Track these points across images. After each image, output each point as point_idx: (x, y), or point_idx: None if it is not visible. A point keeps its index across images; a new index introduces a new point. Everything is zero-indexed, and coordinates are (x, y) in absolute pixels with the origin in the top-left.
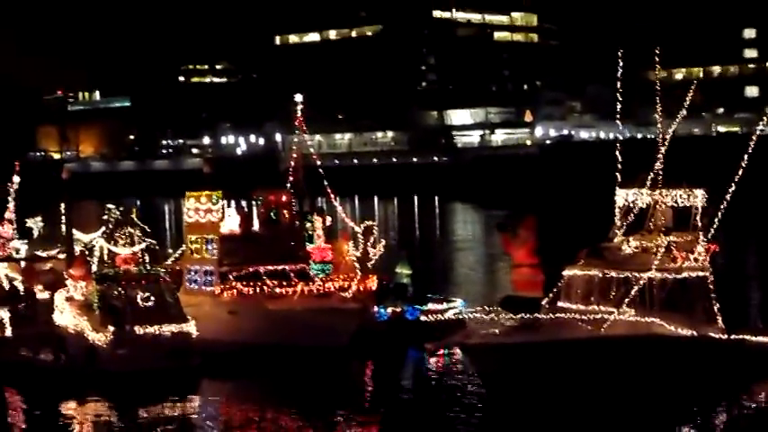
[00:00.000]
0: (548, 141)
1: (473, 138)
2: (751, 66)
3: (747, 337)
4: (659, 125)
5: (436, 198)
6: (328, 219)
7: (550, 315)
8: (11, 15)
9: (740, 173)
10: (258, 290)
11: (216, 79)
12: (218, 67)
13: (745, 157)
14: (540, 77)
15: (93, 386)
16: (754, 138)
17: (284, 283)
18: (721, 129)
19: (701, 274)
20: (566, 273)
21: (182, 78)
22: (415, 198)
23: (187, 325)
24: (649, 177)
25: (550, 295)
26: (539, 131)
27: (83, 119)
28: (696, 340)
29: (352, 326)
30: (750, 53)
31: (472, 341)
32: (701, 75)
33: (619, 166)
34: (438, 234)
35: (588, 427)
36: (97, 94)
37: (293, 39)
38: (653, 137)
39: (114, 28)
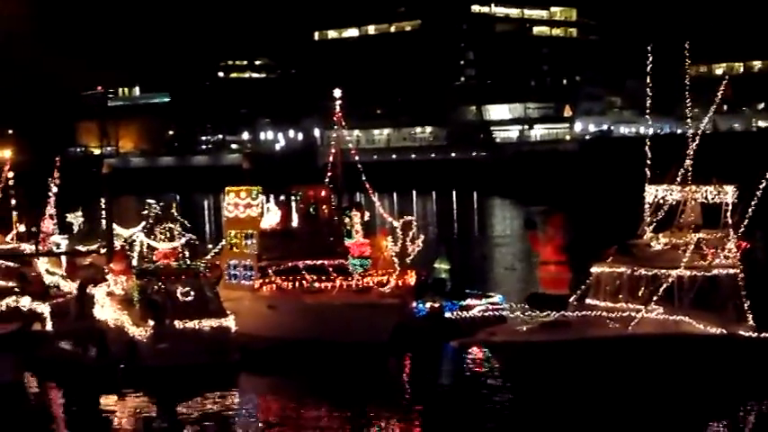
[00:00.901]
0: (587, 137)
1: (512, 133)
2: None
3: None
4: (689, 121)
5: (475, 193)
6: (367, 214)
7: (577, 313)
8: (51, 14)
9: None
10: (297, 285)
11: (255, 75)
12: (257, 62)
13: None
14: (579, 72)
15: (132, 381)
16: None
17: (323, 278)
18: (762, 124)
19: (731, 271)
20: (594, 270)
21: (221, 74)
22: (454, 193)
23: (226, 320)
24: (679, 173)
25: (578, 292)
26: (578, 127)
27: (122, 115)
28: (725, 338)
29: (391, 321)
30: None
31: (497, 339)
32: (742, 69)
33: (648, 162)
34: (477, 229)
35: (615, 427)
36: (137, 90)
37: (332, 34)
38: (693, 132)
39: (154, 24)
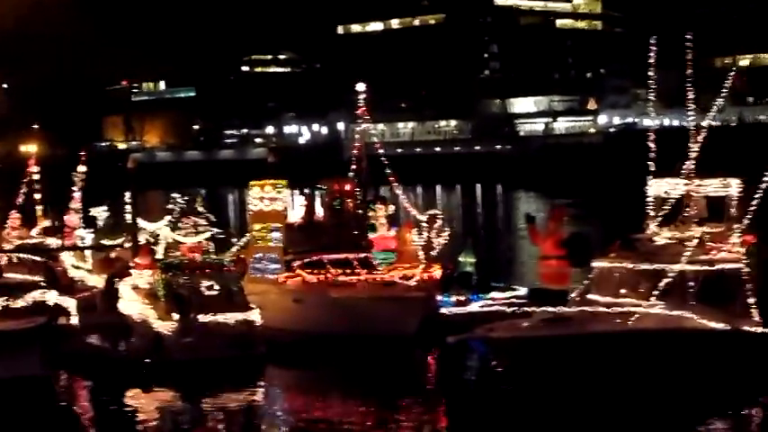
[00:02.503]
0: (611, 129)
1: (536, 126)
2: None
3: None
4: (692, 113)
5: (499, 186)
6: (391, 207)
7: (575, 308)
8: (77, 9)
9: None
10: (322, 278)
11: (279, 69)
12: (281, 56)
13: None
14: (604, 65)
15: (158, 375)
16: None
17: (348, 272)
18: None
19: (734, 266)
20: (596, 265)
21: (245, 68)
22: (479, 186)
23: (251, 313)
24: (685, 167)
25: (581, 287)
26: (602, 119)
27: (148, 109)
28: (729, 334)
29: (417, 314)
30: None
31: (495, 334)
32: None
33: (652, 155)
34: (502, 222)
35: (614, 424)
36: (162, 85)
37: (356, 28)
38: (718, 124)
39: (178, 19)
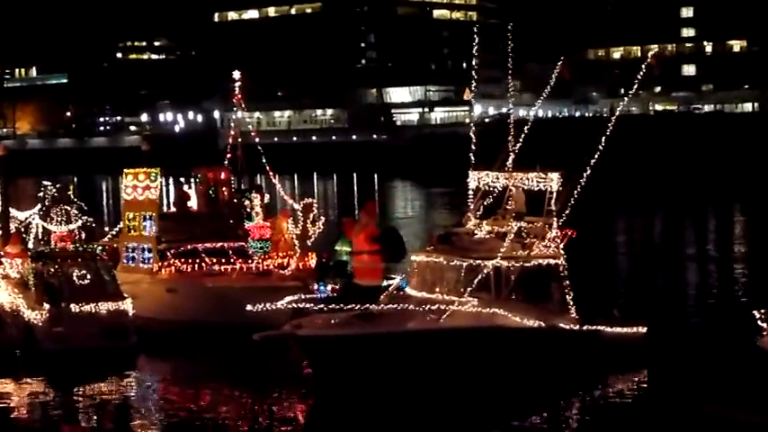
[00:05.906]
0: (486, 120)
1: (412, 116)
2: (688, 44)
3: (601, 327)
4: (510, 103)
5: (375, 176)
6: (267, 196)
7: (388, 304)
8: None
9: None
10: (197, 267)
11: (154, 56)
12: (156, 43)
13: (603, 139)
14: (479, 56)
15: (29, 365)
16: (613, 119)
17: (223, 261)
18: (658, 107)
19: (552, 261)
20: (413, 259)
21: (119, 55)
22: (355, 176)
23: (124, 303)
24: (510, 159)
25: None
26: (477, 109)
27: (19, 96)
28: (541, 331)
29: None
30: (687, 32)
31: (302, 332)
32: (639, 53)
33: (473, 147)
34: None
35: (420, 425)
36: (34, 71)
37: (232, 15)
38: (591, 115)
39: (51, 3)
